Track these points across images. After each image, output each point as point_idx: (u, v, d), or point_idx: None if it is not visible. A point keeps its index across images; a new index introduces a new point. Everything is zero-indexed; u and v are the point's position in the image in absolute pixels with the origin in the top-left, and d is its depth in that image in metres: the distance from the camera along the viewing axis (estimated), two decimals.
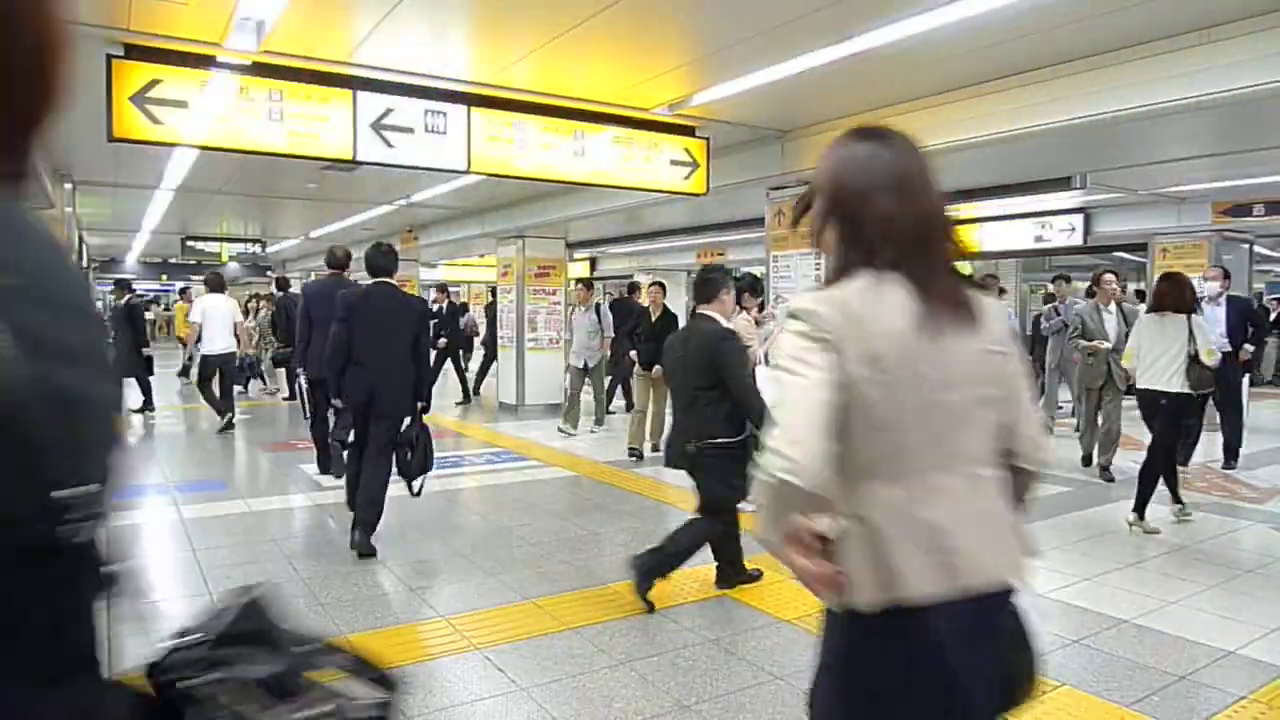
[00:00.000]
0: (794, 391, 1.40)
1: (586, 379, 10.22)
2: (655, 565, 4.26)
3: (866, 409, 1.42)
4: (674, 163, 6.67)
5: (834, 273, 1.54)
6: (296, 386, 8.08)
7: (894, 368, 1.42)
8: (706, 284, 4.52)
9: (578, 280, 10.52)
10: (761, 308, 7.32)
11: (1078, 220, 12.03)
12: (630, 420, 8.76)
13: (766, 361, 6.26)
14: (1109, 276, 8.04)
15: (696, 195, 6.94)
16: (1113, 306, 7.83)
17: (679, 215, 12.95)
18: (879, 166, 1.53)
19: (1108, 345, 7.41)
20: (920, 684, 1.43)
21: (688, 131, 6.72)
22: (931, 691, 1.43)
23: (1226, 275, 8.50)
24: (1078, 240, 12.12)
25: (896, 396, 1.43)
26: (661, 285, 9.55)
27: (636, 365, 9.08)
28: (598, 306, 10.14)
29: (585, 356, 10.06)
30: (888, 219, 1.48)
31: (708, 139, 6.82)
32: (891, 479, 1.46)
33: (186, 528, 5.84)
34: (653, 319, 9.13)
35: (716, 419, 4.28)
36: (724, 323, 4.47)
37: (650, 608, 4.24)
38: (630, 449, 8.42)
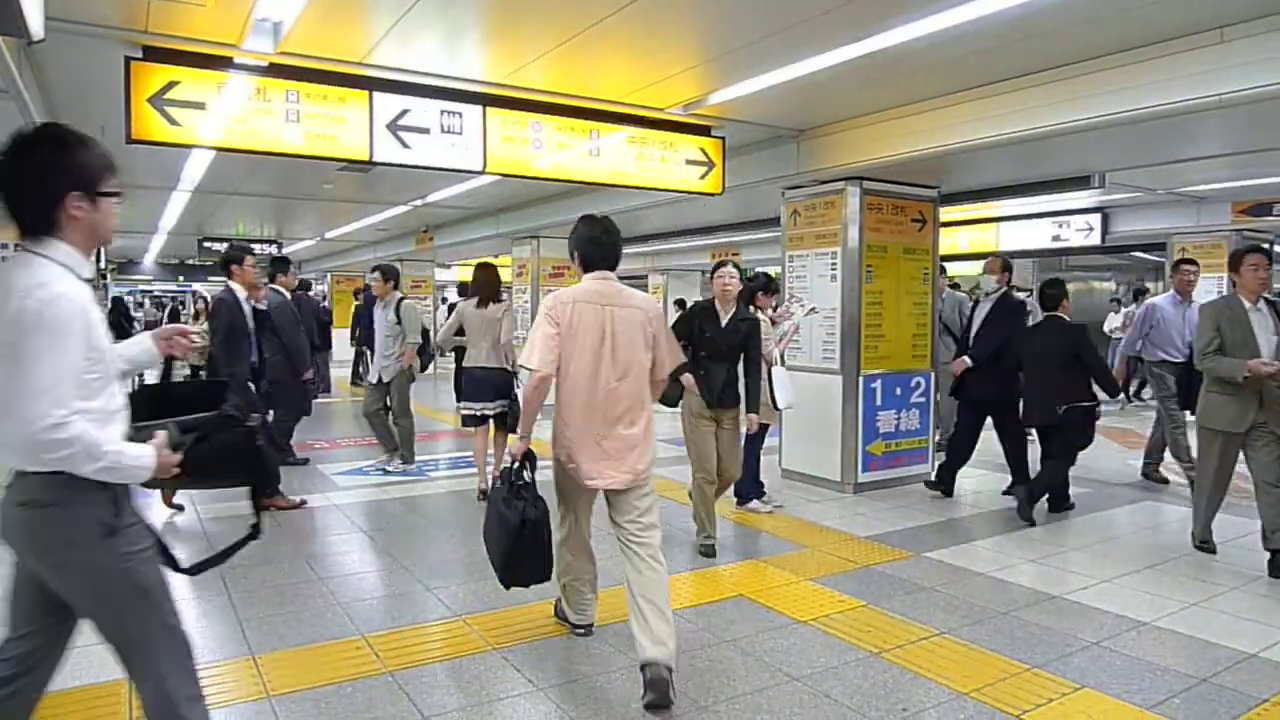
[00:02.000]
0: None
1: (386, 398, 7.96)
2: (1040, 493, 6.25)
3: (465, 324, 6.77)
4: (690, 162, 6.66)
5: (469, 296, 6.93)
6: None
7: (468, 318, 6.73)
8: (1052, 296, 6.36)
9: (375, 268, 8.06)
10: (776, 307, 7.30)
11: (1095, 220, 11.95)
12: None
13: (782, 361, 6.24)
14: (1258, 257, 5.19)
15: (712, 195, 6.92)
16: (1263, 304, 5.15)
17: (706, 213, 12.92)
18: (481, 274, 6.92)
19: (1240, 372, 4.88)
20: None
21: (703, 131, 6.71)
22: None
23: (1006, 268, 6.95)
24: (1095, 240, 12.03)
25: (468, 324, 6.74)
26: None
27: None
28: (399, 303, 7.77)
29: (381, 368, 7.83)
30: (477, 282, 6.87)
31: (723, 138, 6.80)
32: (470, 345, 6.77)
33: (204, 528, 5.87)
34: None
35: (1078, 388, 6.07)
36: (1068, 320, 6.30)
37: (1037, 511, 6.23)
38: None
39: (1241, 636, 4.01)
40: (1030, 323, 9.47)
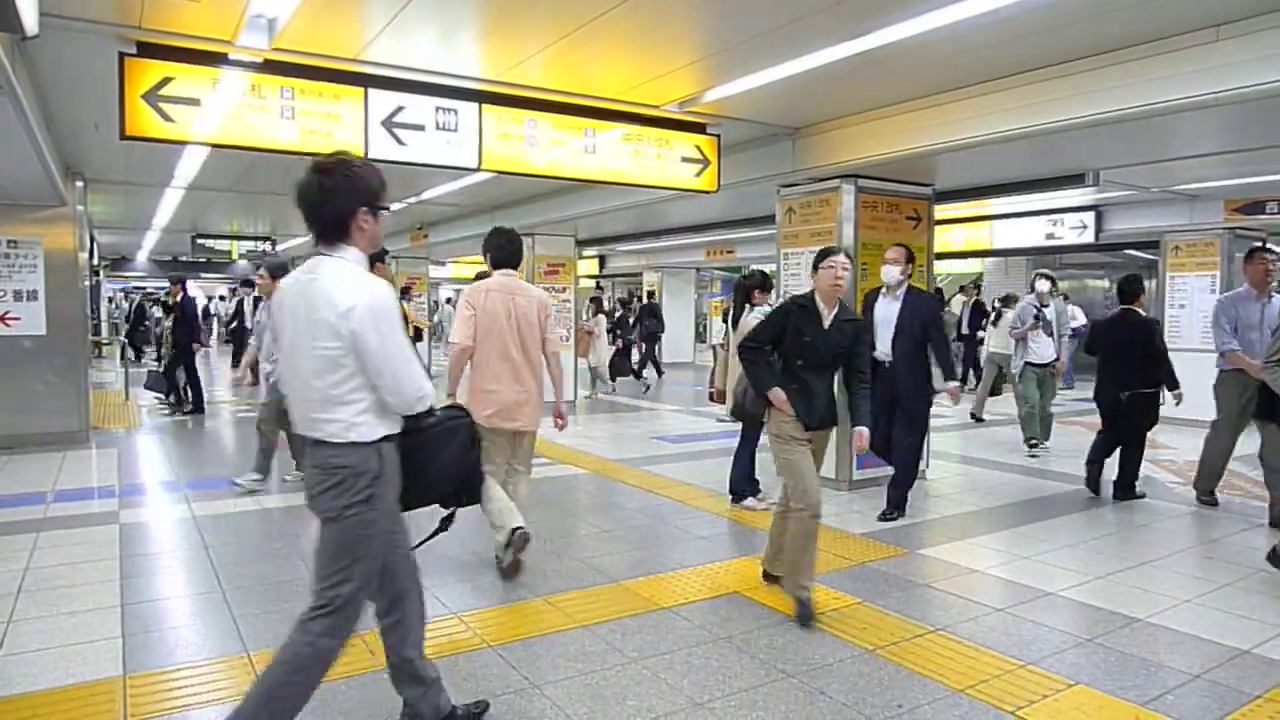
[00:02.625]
0: None
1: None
2: (1129, 484, 6.80)
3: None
4: (685, 160, 6.66)
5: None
6: None
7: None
8: (1128, 291, 6.73)
9: (261, 265, 7.37)
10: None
11: (1089, 218, 11.98)
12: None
13: None
14: None
15: (707, 192, 6.92)
16: None
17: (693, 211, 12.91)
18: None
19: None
20: None
21: (699, 128, 6.70)
22: None
23: (910, 259, 6.08)
24: (1089, 238, 12.06)
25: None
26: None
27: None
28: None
29: (275, 376, 6.73)
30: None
31: (719, 136, 6.80)
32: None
33: (198, 524, 5.86)
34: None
35: (1144, 376, 6.54)
36: (1144, 314, 6.73)
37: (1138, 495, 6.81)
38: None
39: (1235, 633, 4.03)
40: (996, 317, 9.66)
